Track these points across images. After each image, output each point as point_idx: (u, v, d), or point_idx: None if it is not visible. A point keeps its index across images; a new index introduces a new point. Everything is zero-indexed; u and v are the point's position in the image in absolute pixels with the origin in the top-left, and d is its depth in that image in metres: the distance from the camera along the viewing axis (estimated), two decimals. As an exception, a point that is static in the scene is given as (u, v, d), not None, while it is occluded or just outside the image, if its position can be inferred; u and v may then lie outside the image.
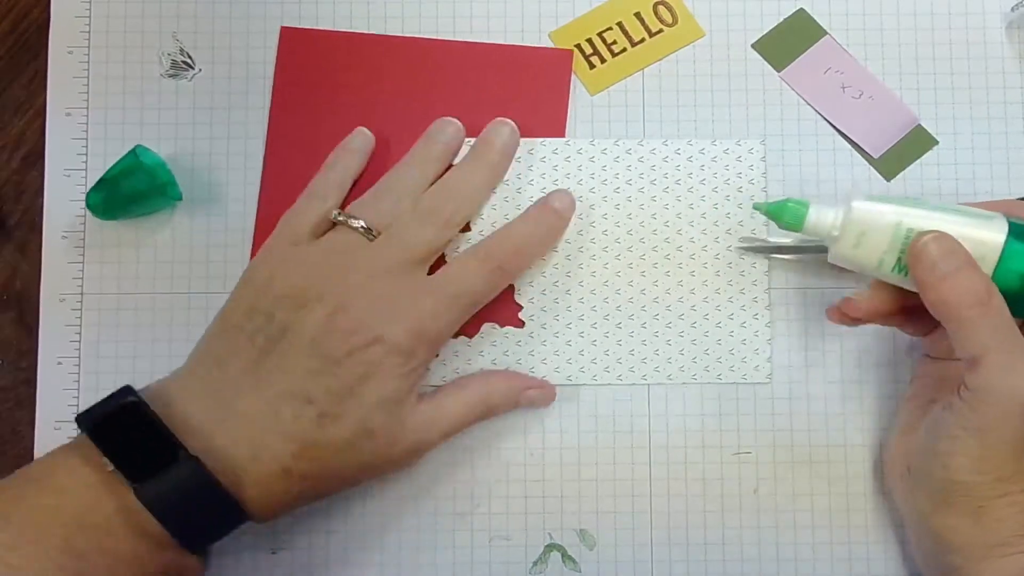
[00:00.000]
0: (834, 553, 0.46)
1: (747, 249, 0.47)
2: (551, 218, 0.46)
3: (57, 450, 0.40)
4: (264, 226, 0.48)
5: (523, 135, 0.48)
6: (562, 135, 0.48)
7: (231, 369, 0.41)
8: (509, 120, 0.47)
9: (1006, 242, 0.39)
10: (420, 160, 0.46)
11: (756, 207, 0.43)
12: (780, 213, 0.42)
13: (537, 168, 0.48)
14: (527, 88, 0.49)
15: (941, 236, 0.39)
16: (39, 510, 0.38)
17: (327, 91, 0.49)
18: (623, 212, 0.48)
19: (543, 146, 0.48)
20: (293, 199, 0.46)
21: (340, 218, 0.44)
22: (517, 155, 0.48)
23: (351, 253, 0.43)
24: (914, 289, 0.40)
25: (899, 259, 0.40)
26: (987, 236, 0.39)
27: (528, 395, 0.46)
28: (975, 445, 0.38)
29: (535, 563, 0.47)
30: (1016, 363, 0.38)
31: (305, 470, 0.41)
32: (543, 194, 0.47)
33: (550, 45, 0.49)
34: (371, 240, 0.43)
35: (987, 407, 0.38)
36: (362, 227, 0.43)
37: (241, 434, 0.40)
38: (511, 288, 0.47)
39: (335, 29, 0.49)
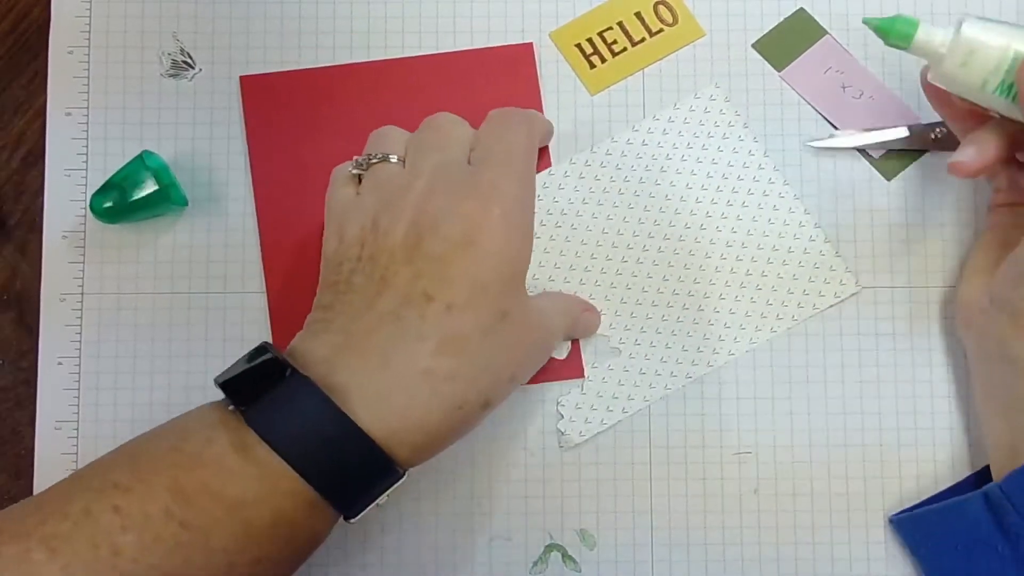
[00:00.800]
0: (834, 553, 0.46)
1: (818, 148, 0.48)
2: (520, 113, 0.44)
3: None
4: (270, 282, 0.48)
5: None
6: None
7: (339, 306, 0.39)
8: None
9: None
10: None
11: (866, 21, 0.41)
12: (889, 29, 0.41)
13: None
14: (496, 89, 0.49)
15: None
16: (159, 450, 0.37)
17: (300, 129, 0.48)
18: (646, 206, 0.48)
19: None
20: (291, 235, 0.46)
21: (374, 160, 0.42)
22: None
23: (399, 176, 0.41)
24: (1012, 115, 0.40)
25: (1003, 80, 0.40)
26: None
27: (586, 316, 0.47)
28: None
29: (535, 563, 0.47)
30: None
31: (449, 368, 0.38)
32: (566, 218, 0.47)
33: (550, 45, 0.49)
34: (403, 166, 0.41)
35: None
36: (396, 159, 0.41)
37: (369, 348, 0.38)
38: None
39: (297, 68, 0.49)
